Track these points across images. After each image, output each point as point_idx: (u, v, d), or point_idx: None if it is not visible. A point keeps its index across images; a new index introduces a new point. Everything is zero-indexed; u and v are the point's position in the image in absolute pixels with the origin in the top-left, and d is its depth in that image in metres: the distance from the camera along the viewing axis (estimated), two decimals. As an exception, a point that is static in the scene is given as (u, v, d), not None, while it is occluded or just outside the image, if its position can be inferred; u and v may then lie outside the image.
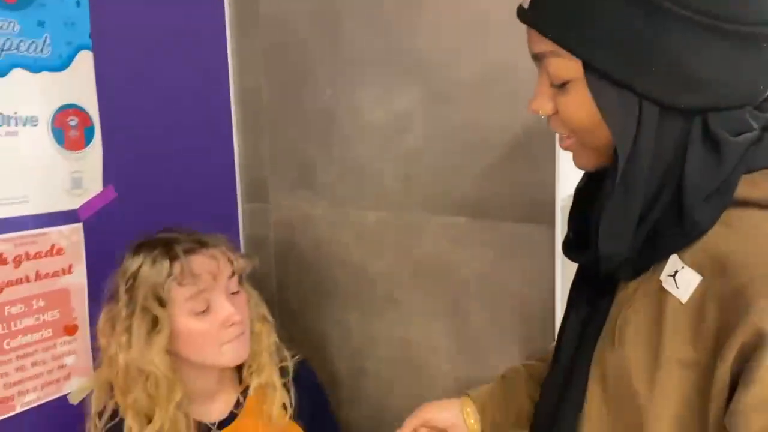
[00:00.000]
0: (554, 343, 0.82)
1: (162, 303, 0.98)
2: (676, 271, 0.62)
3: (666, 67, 0.58)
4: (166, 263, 0.98)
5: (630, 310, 0.66)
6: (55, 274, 1.16)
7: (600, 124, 0.62)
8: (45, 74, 1.13)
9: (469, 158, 1.19)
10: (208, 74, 1.47)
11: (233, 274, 1.05)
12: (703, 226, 0.60)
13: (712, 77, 0.58)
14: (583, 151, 0.69)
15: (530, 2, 0.65)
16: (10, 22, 1.08)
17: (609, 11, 0.59)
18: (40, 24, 1.11)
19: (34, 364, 1.14)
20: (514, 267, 1.17)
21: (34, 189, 1.13)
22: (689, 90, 0.58)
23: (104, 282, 1.04)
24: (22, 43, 1.09)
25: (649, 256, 0.64)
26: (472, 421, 0.98)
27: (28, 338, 1.13)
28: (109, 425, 1.04)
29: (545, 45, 0.64)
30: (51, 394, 1.17)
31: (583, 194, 0.76)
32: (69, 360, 1.19)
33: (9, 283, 1.09)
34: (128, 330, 0.98)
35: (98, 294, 1.06)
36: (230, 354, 1.03)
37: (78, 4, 1.17)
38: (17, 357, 1.11)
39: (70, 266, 1.18)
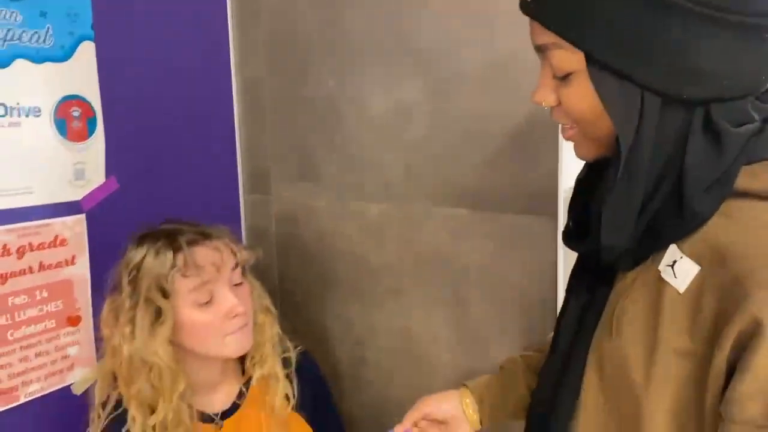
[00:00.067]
0: (552, 334, 0.83)
1: (165, 294, 0.98)
2: (674, 261, 0.62)
3: (668, 58, 0.58)
4: (169, 254, 0.98)
5: (628, 300, 0.67)
6: (59, 265, 1.16)
7: (602, 115, 0.63)
8: (47, 65, 1.13)
9: (471, 150, 1.19)
10: (209, 64, 1.46)
11: (236, 265, 1.05)
12: (703, 217, 0.61)
13: (714, 68, 0.58)
14: (585, 141, 0.69)
15: None
16: (12, 12, 1.07)
17: (611, 3, 0.59)
18: (42, 14, 1.11)
19: (37, 354, 1.14)
20: (515, 258, 1.17)
21: (38, 180, 1.13)
22: (691, 81, 0.58)
23: (107, 273, 1.04)
24: (24, 34, 1.09)
25: (648, 246, 0.65)
26: (471, 412, 0.98)
27: (32, 329, 1.13)
28: (113, 416, 1.04)
29: (548, 37, 0.64)
30: (54, 385, 1.17)
31: (584, 184, 0.76)
32: (72, 351, 1.20)
33: (12, 274, 1.10)
34: (132, 321, 0.99)
35: (101, 285, 1.06)
36: (233, 345, 1.03)
37: (80, -6, 1.17)
38: (21, 348, 1.12)
39: (73, 257, 1.18)
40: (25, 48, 1.09)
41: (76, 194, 1.18)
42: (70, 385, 1.20)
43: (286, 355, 1.15)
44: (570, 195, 0.79)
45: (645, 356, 0.63)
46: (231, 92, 1.52)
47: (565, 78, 0.65)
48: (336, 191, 1.42)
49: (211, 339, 1.02)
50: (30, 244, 1.12)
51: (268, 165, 1.54)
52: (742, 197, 0.60)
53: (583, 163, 0.77)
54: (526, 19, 0.66)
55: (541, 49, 0.66)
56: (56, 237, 1.15)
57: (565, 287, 0.83)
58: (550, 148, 1.08)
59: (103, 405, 1.06)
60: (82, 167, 1.19)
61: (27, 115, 1.10)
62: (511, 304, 1.19)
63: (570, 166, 1.05)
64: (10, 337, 1.10)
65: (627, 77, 0.60)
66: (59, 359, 1.18)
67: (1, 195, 1.08)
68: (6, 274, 1.09)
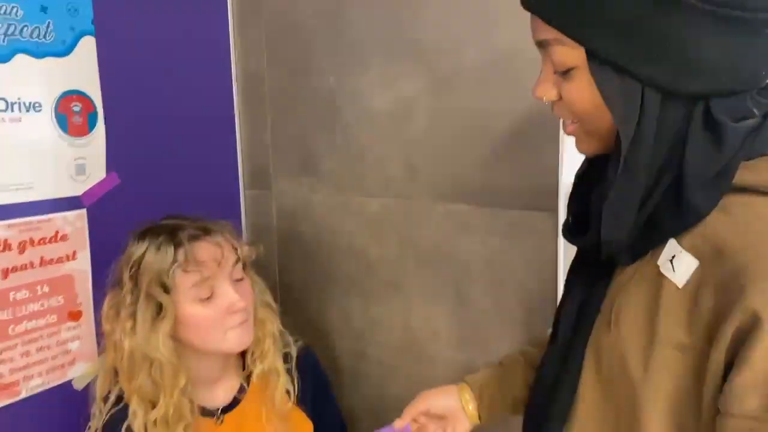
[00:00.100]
0: (551, 329, 0.83)
1: (166, 289, 0.98)
2: (673, 256, 0.62)
3: (668, 53, 0.58)
4: (170, 250, 0.99)
5: (627, 294, 0.67)
6: (59, 260, 1.16)
7: (603, 111, 0.63)
8: (48, 60, 1.13)
9: (472, 145, 1.19)
10: (210, 59, 1.46)
11: (237, 261, 1.05)
12: (702, 211, 0.61)
13: (714, 63, 0.58)
14: (586, 137, 0.69)
15: None
16: (13, 7, 1.07)
17: None
18: (43, 9, 1.11)
19: (39, 349, 1.15)
20: (515, 254, 1.17)
21: (38, 175, 1.13)
22: (691, 76, 0.59)
23: (108, 268, 1.04)
24: (25, 29, 1.09)
25: (648, 240, 0.65)
26: (470, 407, 0.99)
27: (33, 324, 1.13)
28: (114, 410, 1.05)
29: (549, 32, 0.64)
30: (56, 380, 1.18)
31: (583, 180, 0.77)
32: (73, 346, 1.20)
33: (14, 269, 1.10)
34: (133, 316, 0.99)
35: (102, 280, 1.06)
36: (234, 340, 1.03)
37: (80, -11, 1.17)
38: (22, 342, 1.12)
39: (74, 252, 1.18)
40: (25, 43, 1.09)
41: (76, 189, 1.18)
42: (71, 380, 1.20)
43: (286, 350, 1.16)
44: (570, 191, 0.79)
45: (643, 350, 0.63)
46: (231, 87, 1.52)
47: (566, 73, 0.65)
48: (336, 186, 1.42)
49: (211, 334, 1.02)
50: (31, 240, 1.12)
51: (269, 160, 1.54)
52: (742, 192, 0.61)
53: (583, 158, 0.77)
54: (527, 14, 0.67)
55: (542, 45, 0.66)
56: (57, 232, 1.15)
57: (564, 282, 0.84)
58: (551, 144, 1.08)
59: (105, 400, 1.06)
60: (83, 162, 1.19)
61: (28, 110, 1.10)
62: (512, 299, 1.19)
63: (570, 162, 1.05)
64: (11, 332, 1.10)
65: (627, 72, 0.60)
66: (60, 354, 1.18)
67: (2, 190, 1.08)
68: (7, 269, 1.09)
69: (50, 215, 1.14)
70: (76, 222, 1.18)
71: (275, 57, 1.48)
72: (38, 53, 1.11)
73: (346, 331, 1.47)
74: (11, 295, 1.10)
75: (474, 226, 1.21)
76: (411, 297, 1.34)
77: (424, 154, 1.26)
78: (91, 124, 1.20)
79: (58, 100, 1.14)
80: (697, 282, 0.60)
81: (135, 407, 1.01)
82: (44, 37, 1.11)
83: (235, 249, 1.05)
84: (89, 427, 1.06)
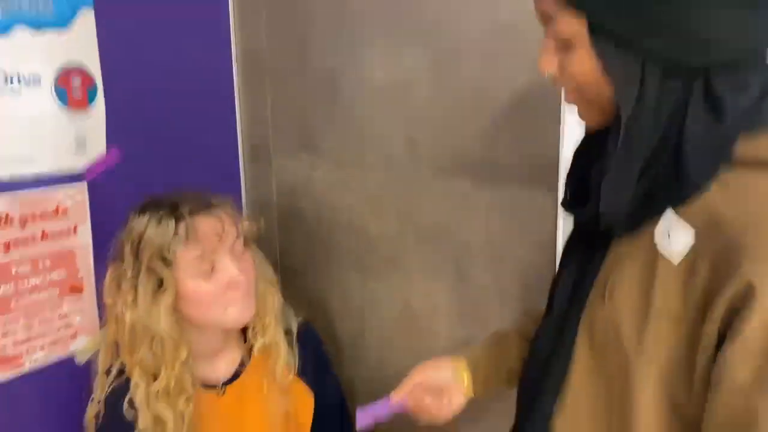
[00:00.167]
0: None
1: (167, 264, 0.99)
2: (670, 229, 0.63)
3: (669, 25, 0.58)
4: (171, 224, 0.99)
5: (622, 267, 0.68)
6: (61, 234, 1.17)
7: (604, 83, 0.63)
8: (47, 32, 1.12)
9: (472, 121, 1.19)
10: (210, 34, 1.46)
11: (238, 235, 1.05)
12: (700, 184, 0.62)
13: (715, 37, 0.58)
14: (587, 108, 0.70)
15: None
16: (11, -21, 1.06)
17: None
18: (41, -19, 1.10)
19: (41, 323, 1.15)
20: (515, 230, 1.17)
21: (39, 149, 1.13)
22: (692, 49, 0.59)
23: (109, 242, 1.05)
24: (23, 1, 1.08)
25: (645, 212, 0.66)
26: (465, 381, 1.00)
27: (35, 297, 1.14)
28: (116, 383, 1.06)
29: (551, 4, 0.64)
30: (58, 353, 1.19)
31: (583, 154, 0.77)
32: (75, 319, 1.21)
33: (16, 243, 1.10)
34: (134, 289, 0.99)
35: (103, 254, 1.07)
36: (235, 315, 1.04)
37: (79, -39, 1.16)
38: (25, 316, 1.13)
39: (75, 226, 1.19)
40: (24, 15, 1.08)
41: (77, 163, 1.18)
42: (73, 353, 1.21)
43: (287, 324, 1.17)
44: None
45: (637, 321, 0.64)
46: (231, 62, 1.51)
47: (567, 45, 0.65)
48: (336, 162, 1.42)
49: (212, 308, 1.03)
50: (32, 214, 1.12)
51: (269, 136, 1.54)
52: (740, 166, 0.61)
53: (583, 135, 0.78)
54: (530, -13, 0.67)
55: (544, 17, 0.67)
56: (58, 206, 1.16)
57: (560, 256, 0.84)
58: (552, 121, 1.08)
59: (107, 373, 1.07)
60: (83, 136, 1.18)
61: (27, 84, 1.10)
62: (511, 275, 1.19)
63: (571, 139, 1.05)
64: (13, 306, 1.11)
65: (628, 44, 0.60)
66: (63, 328, 1.19)
67: (3, 164, 1.08)
68: (9, 242, 1.09)
69: (51, 189, 1.14)
70: (76, 196, 1.18)
71: (275, 32, 1.47)
72: (36, 25, 1.10)
73: (346, 307, 1.48)
74: (13, 268, 1.10)
75: (474, 203, 1.22)
76: (411, 273, 1.34)
77: (424, 130, 1.26)
78: (91, 98, 1.19)
79: (57, 74, 1.13)
80: (693, 255, 0.60)
81: (137, 380, 1.02)
82: (43, 9, 1.11)
83: (236, 224, 1.05)
84: (92, 400, 1.07)
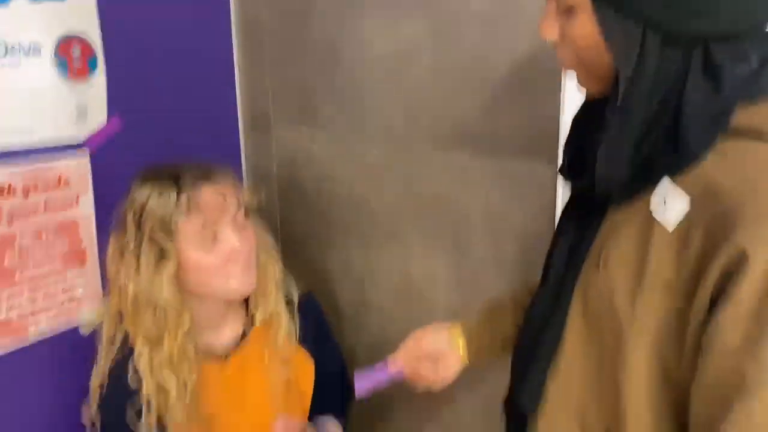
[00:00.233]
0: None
1: (169, 234, 0.99)
2: (666, 198, 0.64)
3: None
4: (173, 195, 0.99)
5: (617, 236, 0.69)
6: (63, 205, 1.17)
7: (604, 51, 0.64)
8: (46, 2, 1.11)
9: (472, 93, 1.18)
10: (210, 4, 1.44)
11: (240, 206, 1.05)
12: (698, 153, 0.62)
13: (715, 6, 0.59)
14: (586, 77, 0.71)
15: None
16: (9, -52, 1.05)
17: None
18: (39, -50, 1.09)
19: (45, 294, 1.16)
20: (515, 201, 1.18)
21: (40, 119, 1.13)
22: (692, 18, 0.59)
23: (111, 213, 1.05)
24: (21, -30, 1.07)
25: (642, 180, 0.66)
26: (460, 347, 1.03)
27: (40, 268, 1.15)
28: (120, 352, 1.07)
29: None
30: (62, 323, 1.20)
31: (581, 123, 0.77)
32: (79, 290, 1.22)
33: (19, 214, 1.11)
34: (136, 259, 1.00)
35: (106, 225, 1.07)
36: (236, 285, 1.05)
37: (77, -71, 1.14)
38: (29, 288, 1.14)
39: (78, 197, 1.19)
40: (22, -15, 1.08)
41: (79, 134, 1.18)
42: (77, 323, 1.22)
43: (288, 294, 1.18)
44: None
45: (631, 289, 0.65)
46: (230, 33, 1.50)
47: (569, 11, 0.65)
48: (336, 133, 1.42)
49: (214, 279, 1.04)
50: (35, 185, 1.12)
51: (268, 106, 1.53)
52: (737, 136, 0.61)
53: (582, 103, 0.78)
54: (531, -43, 0.66)
55: None
56: (60, 177, 1.16)
57: (556, 225, 0.85)
58: (552, 92, 1.08)
59: (111, 342, 1.08)
60: (84, 106, 1.18)
61: (27, 54, 1.09)
62: (511, 246, 1.20)
63: (571, 112, 1.05)
64: (18, 277, 1.12)
65: (629, 11, 0.61)
66: (67, 299, 1.20)
67: (5, 134, 1.08)
68: (13, 213, 1.10)
69: (52, 160, 1.15)
70: (78, 166, 1.19)
71: (275, 3, 1.46)
72: (36, -5, 1.10)
73: (346, 277, 1.49)
74: (17, 240, 1.11)
75: (474, 175, 1.22)
76: (411, 244, 1.35)
77: (424, 101, 1.26)
78: (92, 68, 1.19)
79: (57, 44, 1.13)
80: (687, 223, 0.61)
81: (140, 349, 1.03)
82: (42, -22, 1.10)
83: (238, 195, 1.06)
84: (96, 369, 1.08)
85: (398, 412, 1.48)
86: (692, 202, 0.61)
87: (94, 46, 1.19)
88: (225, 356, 1.11)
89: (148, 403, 1.03)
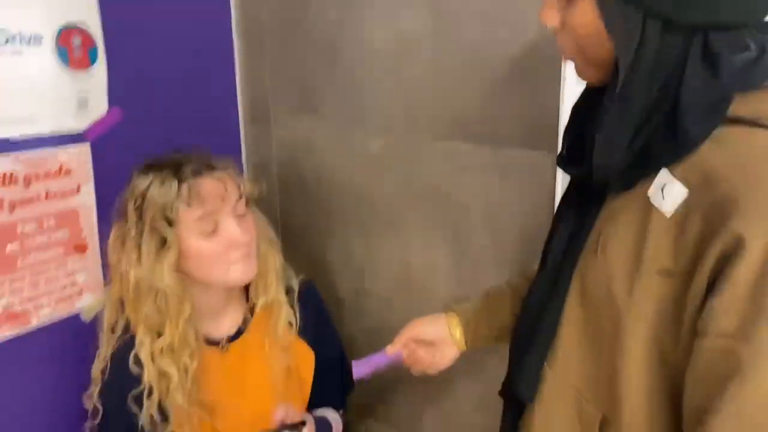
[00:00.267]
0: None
1: (170, 223, 1.00)
2: (664, 185, 0.64)
3: None
4: (174, 184, 1.00)
5: (615, 223, 0.69)
6: (64, 194, 1.18)
7: (604, 38, 0.64)
8: (46, -9, 1.11)
9: (472, 83, 1.19)
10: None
11: (240, 196, 1.06)
12: (696, 141, 0.62)
13: None
14: (586, 65, 0.71)
15: None
16: (10, -63, 1.06)
17: None
18: (40, -61, 1.09)
19: (47, 281, 1.17)
20: (515, 192, 1.18)
21: (41, 109, 1.13)
22: (692, 8, 0.59)
23: (112, 202, 1.06)
24: (22, -42, 1.07)
25: (640, 169, 0.67)
26: (457, 334, 1.04)
27: (41, 256, 1.16)
28: (121, 339, 1.08)
29: None
30: (64, 310, 1.21)
31: (581, 111, 0.78)
32: (80, 278, 1.23)
33: (21, 203, 1.11)
34: (138, 248, 1.01)
35: (107, 214, 1.08)
36: (237, 273, 1.06)
37: None
38: (31, 274, 1.15)
39: (79, 186, 1.20)
40: (23, -27, 1.08)
41: (79, 124, 1.19)
42: (79, 310, 1.23)
43: (288, 283, 1.19)
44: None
45: (628, 276, 0.66)
46: (230, 23, 1.51)
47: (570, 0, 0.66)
48: (336, 124, 1.42)
49: (215, 267, 1.04)
50: (36, 174, 1.13)
51: (268, 97, 1.54)
52: (735, 124, 0.62)
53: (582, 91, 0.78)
54: (531, -53, 0.67)
55: None
56: (61, 166, 1.16)
57: (554, 214, 0.86)
58: (552, 84, 1.08)
59: (112, 329, 1.09)
60: (85, 96, 1.19)
61: (28, 44, 1.10)
62: (510, 236, 1.21)
63: (571, 102, 1.05)
64: (20, 264, 1.13)
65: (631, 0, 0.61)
66: (68, 286, 1.21)
67: (6, 124, 1.08)
68: (15, 202, 1.10)
69: (54, 149, 1.15)
70: (79, 156, 1.19)
71: (275, -8, 1.46)
72: (37, -17, 1.10)
73: (346, 267, 1.50)
74: (19, 227, 1.12)
75: (473, 165, 1.22)
76: (410, 234, 1.36)
77: (424, 92, 1.26)
78: (92, 58, 1.19)
79: (58, 33, 1.13)
80: (685, 210, 0.61)
81: (141, 336, 1.04)
82: (42, -33, 1.10)
83: (238, 185, 1.07)
84: (98, 356, 1.10)
85: (398, 400, 1.49)
86: (690, 189, 0.62)
87: (94, 37, 1.19)
88: (225, 344, 1.12)
89: (150, 389, 1.04)
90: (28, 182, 1.12)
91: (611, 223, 0.70)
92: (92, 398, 1.09)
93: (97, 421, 1.09)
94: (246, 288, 1.16)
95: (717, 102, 0.62)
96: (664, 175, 0.64)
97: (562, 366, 0.77)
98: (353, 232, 1.46)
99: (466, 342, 1.05)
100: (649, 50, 0.61)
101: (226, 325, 1.14)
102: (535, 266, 0.88)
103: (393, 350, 1.08)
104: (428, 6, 1.21)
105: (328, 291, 1.49)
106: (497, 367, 0.96)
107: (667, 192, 0.63)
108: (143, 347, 1.04)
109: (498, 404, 0.93)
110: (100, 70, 1.21)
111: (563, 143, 0.80)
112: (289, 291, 1.18)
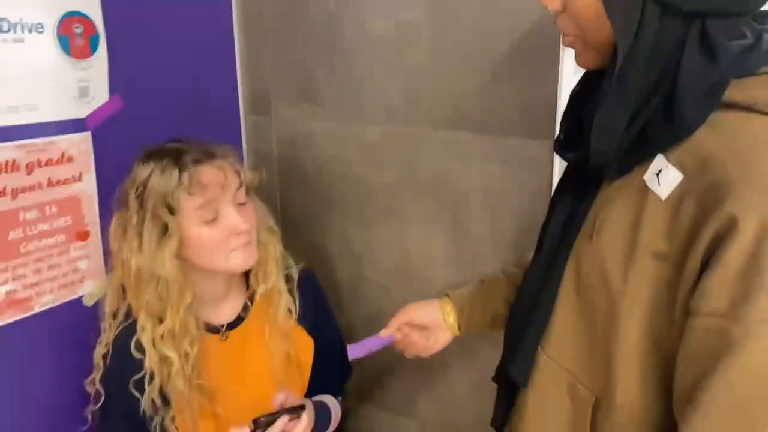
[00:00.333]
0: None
1: (172, 211, 1.01)
2: (660, 170, 0.65)
3: None
4: (175, 173, 1.00)
5: (611, 207, 0.70)
6: (66, 181, 1.18)
7: (604, 22, 0.65)
8: (48, -20, 1.12)
9: (472, 73, 1.19)
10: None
11: (241, 185, 1.07)
12: (692, 126, 0.63)
13: None
14: (585, 49, 0.72)
15: None
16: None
17: None
18: (41, -73, 1.10)
19: (49, 267, 1.18)
20: (513, 181, 1.19)
21: (42, 97, 1.14)
22: None
23: (113, 190, 1.07)
24: (23, -54, 1.08)
25: (637, 154, 0.68)
26: (450, 319, 1.06)
27: (43, 242, 1.17)
28: (123, 325, 1.10)
29: None
30: (66, 296, 1.22)
31: (578, 97, 0.79)
32: (82, 264, 1.24)
33: (23, 190, 1.12)
34: (139, 235, 1.02)
35: (108, 202, 1.09)
36: (237, 260, 1.07)
37: None
38: (34, 260, 1.16)
39: (80, 174, 1.20)
40: (25, -38, 1.08)
41: (81, 111, 1.19)
42: (81, 296, 1.24)
43: (288, 271, 1.20)
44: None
45: (623, 259, 0.67)
46: (231, 13, 1.51)
47: None
48: (336, 113, 1.43)
49: (216, 255, 1.05)
50: (38, 161, 1.14)
51: (269, 86, 1.54)
52: (730, 109, 0.63)
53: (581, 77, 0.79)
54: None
55: None
56: (63, 154, 1.17)
57: (550, 200, 0.86)
58: (550, 74, 1.09)
59: (114, 316, 1.11)
60: (87, 85, 1.19)
61: (30, 32, 1.10)
62: (509, 225, 1.22)
63: (568, 91, 1.06)
64: (23, 250, 1.14)
65: None
66: (70, 272, 1.22)
67: (7, 111, 1.09)
68: (17, 189, 1.11)
69: (55, 137, 1.16)
70: (81, 144, 1.20)
71: (276, -19, 1.46)
72: (38, -28, 1.10)
73: (345, 255, 1.51)
74: (21, 214, 1.13)
75: (472, 154, 1.23)
76: (409, 222, 1.37)
77: (423, 80, 1.27)
78: (93, 47, 1.20)
79: (59, 22, 1.14)
80: (680, 194, 0.62)
81: (143, 322, 1.05)
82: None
83: (239, 173, 1.07)
84: (100, 342, 1.11)
85: (394, 385, 1.50)
86: (686, 174, 0.62)
87: (96, 26, 1.19)
88: (226, 331, 1.13)
89: (151, 374, 1.05)
90: (30, 169, 1.13)
91: (607, 209, 0.71)
92: (94, 383, 1.10)
93: (99, 405, 1.10)
94: (246, 276, 1.17)
95: (713, 87, 0.63)
96: (659, 160, 0.65)
97: (556, 350, 0.78)
98: (353, 220, 1.47)
99: (459, 327, 1.07)
100: (648, 34, 0.62)
101: (226, 312, 1.15)
102: (531, 255, 0.89)
103: (387, 333, 1.10)
104: (428, -5, 1.22)
105: (328, 279, 1.50)
106: (491, 354, 0.97)
107: (663, 177, 0.64)
108: (145, 333, 1.05)
109: (492, 389, 0.94)
110: (101, 58, 1.21)
111: (561, 128, 0.81)
112: (288, 279, 1.19)
